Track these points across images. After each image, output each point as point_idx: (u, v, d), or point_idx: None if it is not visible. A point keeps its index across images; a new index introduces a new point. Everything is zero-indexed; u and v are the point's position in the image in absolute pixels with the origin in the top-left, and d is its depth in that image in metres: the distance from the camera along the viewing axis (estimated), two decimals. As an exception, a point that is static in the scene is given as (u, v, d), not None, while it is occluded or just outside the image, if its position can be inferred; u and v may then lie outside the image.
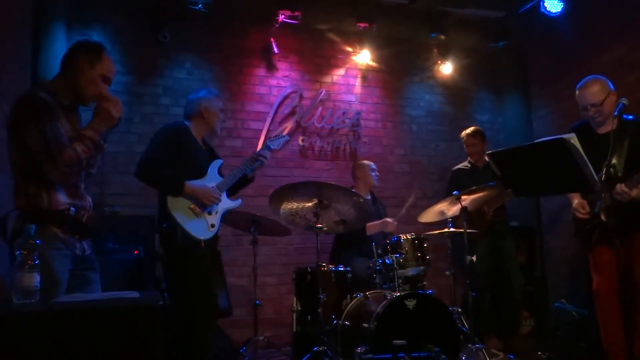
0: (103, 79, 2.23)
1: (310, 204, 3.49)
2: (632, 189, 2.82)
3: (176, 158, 2.97)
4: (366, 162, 4.58)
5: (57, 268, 2.06)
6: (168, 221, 2.90)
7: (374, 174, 4.44)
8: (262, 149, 3.41)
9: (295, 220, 3.64)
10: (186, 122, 3.18)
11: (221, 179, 3.14)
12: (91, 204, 2.30)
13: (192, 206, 2.95)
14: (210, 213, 3.01)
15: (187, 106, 3.24)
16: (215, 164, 3.17)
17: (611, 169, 2.81)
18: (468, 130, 4.72)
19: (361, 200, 3.57)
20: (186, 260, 2.93)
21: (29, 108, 2.07)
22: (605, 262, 3.05)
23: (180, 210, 2.92)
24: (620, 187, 2.82)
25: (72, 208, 2.15)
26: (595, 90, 3.12)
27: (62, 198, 2.13)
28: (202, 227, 2.96)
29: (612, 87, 3.16)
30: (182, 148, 3.02)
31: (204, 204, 2.98)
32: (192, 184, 2.95)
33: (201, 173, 3.06)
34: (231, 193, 3.26)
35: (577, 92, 3.22)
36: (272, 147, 3.51)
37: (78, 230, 2.19)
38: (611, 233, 2.86)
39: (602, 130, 3.14)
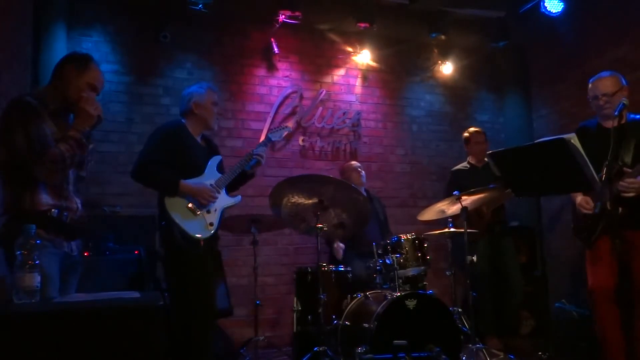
0: (90, 87, 2.33)
1: (310, 203, 3.47)
2: (638, 178, 2.84)
3: (172, 157, 2.95)
4: (348, 164, 4.63)
5: (45, 264, 2.07)
6: (165, 220, 2.90)
7: (355, 173, 4.45)
8: (260, 143, 3.38)
9: (295, 222, 3.63)
10: (183, 120, 3.15)
11: (220, 175, 3.10)
12: (79, 205, 2.35)
13: (190, 205, 2.93)
14: (209, 211, 2.98)
15: (180, 103, 3.20)
16: (213, 161, 3.12)
17: (612, 168, 2.81)
18: (475, 129, 4.71)
19: (361, 198, 3.56)
20: (184, 260, 2.91)
21: (15, 111, 2.16)
22: (604, 257, 3.04)
23: (177, 210, 2.90)
24: (625, 181, 2.84)
25: (55, 210, 2.20)
26: (609, 82, 3.17)
27: (45, 199, 2.18)
28: (200, 226, 2.94)
29: (624, 82, 3.20)
30: (177, 147, 2.99)
31: (200, 203, 2.96)
32: (188, 183, 2.93)
33: (199, 171, 3.03)
34: (231, 189, 3.23)
35: (590, 84, 3.25)
36: (272, 139, 3.48)
37: (63, 231, 2.23)
38: (615, 225, 2.86)
39: (608, 124, 3.15)
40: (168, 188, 2.92)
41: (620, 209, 2.86)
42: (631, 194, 2.87)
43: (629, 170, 2.90)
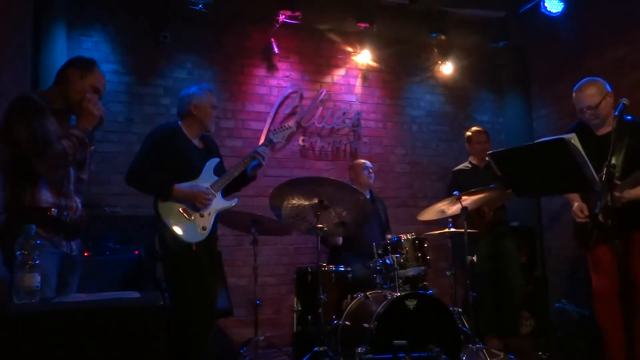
0: (93, 89, 2.36)
1: (310, 204, 3.48)
2: (624, 192, 2.83)
3: (166, 161, 2.93)
4: (359, 161, 4.60)
5: (42, 263, 2.07)
6: (160, 223, 2.88)
7: (366, 172, 4.45)
8: (261, 144, 3.34)
9: (296, 222, 3.62)
10: (179, 122, 3.12)
11: (216, 178, 3.05)
12: (79, 204, 2.36)
13: (182, 209, 2.89)
14: (202, 215, 2.94)
15: (178, 104, 3.17)
16: (210, 164, 3.08)
17: (611, 169, 2.81)
18: (477, 128, 4.71)
19: (361, 198, 3.56)
20: (180, 262, 2.90)
21: (19, 108, 2.18)
22: (604, 262, 3.05)
23: (170, 214, 2.87)
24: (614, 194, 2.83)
25: (54, 209, 2.21)
26: (591, 93, 3.10)
27: (45, 196, 2.19)
28: (193, 231, 2.90)
29: (609, 88, 3.14)
30: (171, 150, 2.96)
31: (195, 206, 2.92)
32: (182, 187, 2.89)
33: (194, 174, 2.99)
34: (231, 191, 3.19)
35: (573, 94, 3.21)
36: (274, 140, 3.45)
37: (62, 230, 2.24)
38: (610, 233, 2.86)
39: (601, 131, 3.14)
40: (161, 192, 2.90)
41: (609, 221, 2.85)
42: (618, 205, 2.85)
43: (618, 182, 2.86)
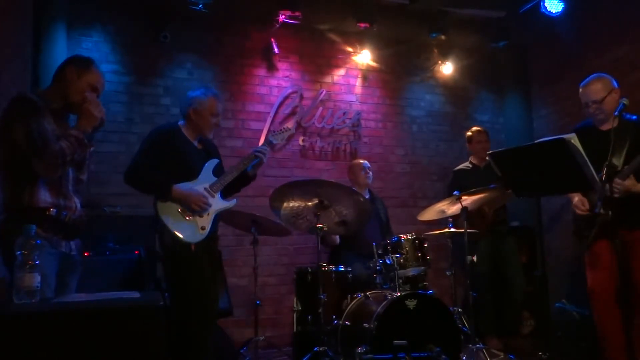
0: (91, 88, 2.36)
1: (310, 204, 3.48)
2: (626, 179, 2.85)
3: (164, 161, 2.93)
4: (357, 161, 4.60)
5: (42, 264, 2.07)
6: (159, 223, 2.88)
7: (363, 172, 4.45)
8: (261, 145, 3.34)
9: (297, 222, 3.63)
10: (180, 122, 3.11)
11: (215, 179, 3.04)
12: (78, 204, 2.35)
13: (181, 210, 2.89)
14: (201, 215, 2.94)
15: (181, 104, 3.17)
16: (209, 164, 3.07)
17: (611, 169, 2.81)
18: (478, 128, 4.72)
19: (361, 199, 3.56)
20: (180, 262, 2.90)
21: (16, 108, 2.18)
22: (602, 260, 3.05)
23: (169, 214, 2.87)
24: (615, 181, 2.85)
25: (53, 209, 2.21)
26: (597, 88, 3.15)
27: (43, 196, 2.19)
28: (192, 231, 2.89)
29: (615, 84, 3.18)
30: (170, 151, 2.96)
31: (192, 208, 2.91)
32: (180, 188, 2.89)
33: (193, 174, 2.99)
34: (231, 192, 3.19)
35: (580, 89, 3.25)
36: (274, 141, 3.44)
37: (61, 230, 2.24)
38: (610, 228, 2.86)
39: (605, 127, 3.16)
40: (160, 193, 2.90)
41: (610, 212, 2.86)
42: (616, 195, 2.86)
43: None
